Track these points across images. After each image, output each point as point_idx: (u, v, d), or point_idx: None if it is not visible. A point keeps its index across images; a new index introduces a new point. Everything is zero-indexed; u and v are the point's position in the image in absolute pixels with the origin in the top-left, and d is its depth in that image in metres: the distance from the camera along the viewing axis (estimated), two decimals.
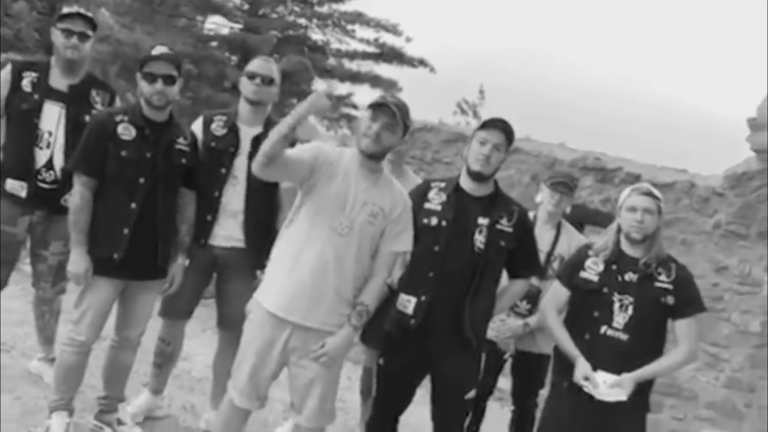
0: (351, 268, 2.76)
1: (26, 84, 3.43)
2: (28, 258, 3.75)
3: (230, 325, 3.41)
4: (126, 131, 3.08)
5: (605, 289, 3.00)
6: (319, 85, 16.55)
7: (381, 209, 2.78)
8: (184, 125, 3.35)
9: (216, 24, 17.28)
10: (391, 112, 2.72)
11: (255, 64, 3.50)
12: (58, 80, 3.47)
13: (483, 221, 2.99)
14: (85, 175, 3.06)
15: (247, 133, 3.43)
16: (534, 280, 3.45)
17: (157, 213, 3.13)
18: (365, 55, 17.62)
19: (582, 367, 2.96)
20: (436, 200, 3.06)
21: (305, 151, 2.74)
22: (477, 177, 3.01)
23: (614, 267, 3.03)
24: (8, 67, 3.48)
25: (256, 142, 3.41)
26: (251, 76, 3.44)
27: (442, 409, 3.13)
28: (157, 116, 3.14)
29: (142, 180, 3.08)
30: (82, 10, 3.56)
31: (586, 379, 2.93)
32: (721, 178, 5.90)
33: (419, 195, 3.07)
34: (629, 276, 3.00)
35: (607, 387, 2.91)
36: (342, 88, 17.25)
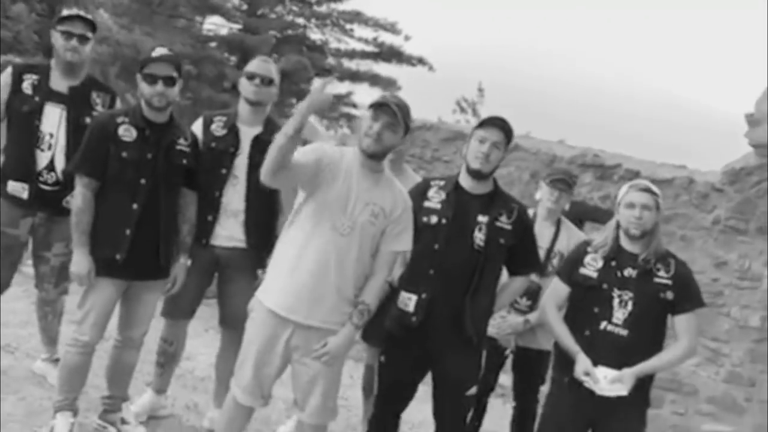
0: (352, 267, 2.78)
1: (27, 86, 3.45)
2: (31, 260, 3.77)
3: (232, 324, 3.43)
4: (127, 132, 3.09)
5: (605, 285, 3.02)
6: (317, 82, 16.57)
7: (382, 209, 2.80)
8: (185, 126, 3.37)
9: (215, 24, 17.30)
10: (392, 112, 2.73)
11: (254, 65, 3.51)
12: (59, 82, 3.49)
13: (482, 219, 3.00)
14: (86, 176, 3.08)
15: (247, 134, 3.45)
16: (534, 277, 3.46)
17: (159, 213, 3.15)
18: (364, 54, 17.63)
19: (582, 363, 2.97)
20: (435, 198, 3.07)
21: (308, 153, 2.74)
22: (476, 175, 3.02)
23: (613, 263, 3.05)
24: (9, 70, 3.50)
25: (256, 142, 3.44)
26: (250, 77, 3.46)
27: (444, 406, 3.14)
28: (157, 117, 3.16)
29: (143, 181, 3.09)
30: (81, 13, 3.58)
31: (587, 374, 2.95)
32: (720, 174, 5.91)
33: (419, 193, 3.09)
34: (628, 272, 3.02)
35: (608, 382, 2.92)
36: (341, 88, 17.27)
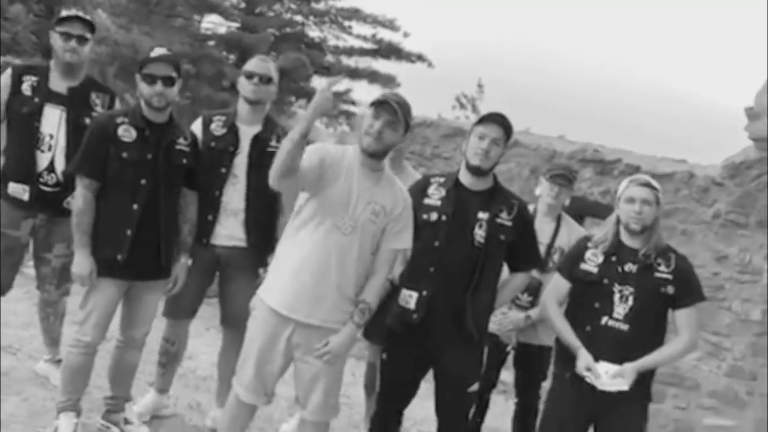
0: (353, 266, 2.78)
1: (26, 88, 3.45)
2: (32, 261, 3.78)
3: (234, 323, 3.44)
4: (127, 133, 3.10)
5: (605, 281, 3.02)
6: (318, 81, 16.57)
7: (383, 208, 2.80)
8: (184, 126, 3.37)
9: (213, 23, 17.28)
10: (393, 110, 2.74)
11: (252, 64, 3.51)
12: (58, 83, 3.49)
13: (483, 215, 3.01)
14: (87, 177, 3.08)
15: (246, 133, 3.46)
16: (535, 273, 3.47)
17: (160, 213, 3.15)
18: (363, 52, 17.61)
19: (584, 358, 2.98)
20: (435, 195, 3.07)
21: (312, 155, 2.75)
22: (476, 171, 3.03)
23: (614, 258, 3.05)
24: (8, 72, 3.51)
25: (256, 141, 3.44)
26: (249, 76, 3.46)
27: (446, 403, 3.15)
28: (157, 117, 3.16)
29: (143, 181, 3.10)
30: (80, 14, 3.58)
31: (588, 369, 2.95)
32: (720, 168, 5.91)
33: (419, 191, 3.09)
34: (629, 267, 3.02)
35: (609, 377, 2.93)
36: (340, 85, 17.24)
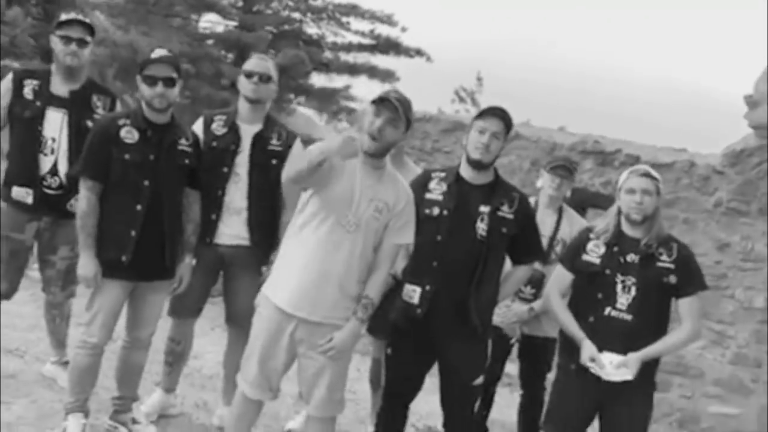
0: (356, 263, 2.80)
1: (28, 92, 3.46)
2: (37, 264, 3.79)
3: (238, 321, 3.45)
4: (129, 135, 3.11)
5: (608, 271, 3.04)
6: (316, 78, 16.57)
7: (386, 204, 2.81)
8: (186, 126, 3.38)
9: (211, 22, 17.24)
10: (394, 107, 2.74)
11: (252, 63, 3.52)
12: (59, 87, 3.50)
13: (484, 209, 3.02)
14: (90, 179, 3.09)
15: (247, 131, 3.47)
16: (537, 265, 3.48)
17: (163, 214, 3.17)
18: (361, 47, 17.56)
19: (588, 349, 2.99)
20: (437, 190, 3.08)
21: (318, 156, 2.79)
22: (477, 165, 3.03)
23: (616, 249, 3.06)
24: (9, 76, 3.52)
25: (257, 139, 3.45)
26: (249, 75, 3.47)
27: (451, 396, 3.16)
28: (158, 118, 3.17)
29: (146, 182, 3.11)
30: (80, 17, 3.58)
31: (593, 360, 2.97)
32: (721, 156, 5.91)
33: (420, 186, 3.10)
34: (631, 257, 3.03)
35: (614, 367, 2.95)
36: (339, 81, 17.22)
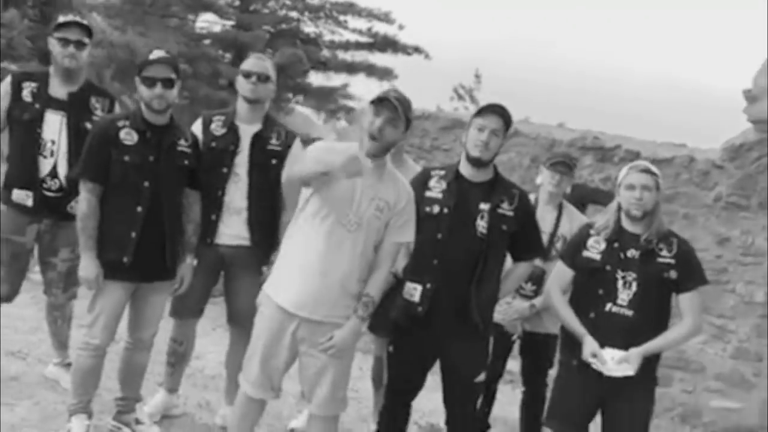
0: (358, 262, 2.80)
1: (26, 94, 3.47)
2: (38, 266, 3.80)
3: (240, 321, 3.46)
4: (128, 136, 3.11)
5: (608, 267, 3.04)
6: (314, 77, 16.55)
7: (387, 203, 2.82)
8: (185, 127, 3.38)
9: (208, 22, 17.23)
10: (393, 107, 2.75)
11: (250, 63, 3.52)
12: (58, 89, 3.50)
13: (484, 206, 3.02)
14: (90, 181, 3.10)
15: (246, 131, 3.47)
16: (538, 262, 3.48)
17: (164, 215, 3.17)
18: (359, 45, 17.56)
19: (589, 345, 3.00)
20: (436, 188, 3.09)
21: (318, 153, 2.79)
22: (476, 163, 3.04)
23: (616, 245, 3.07)
24: (8, 79, 3.52)
25: (256, 139, 3.45)
26: (247, 75, 3.47)
27: (453, 394, 3.17)
28: (157, 120, 3.17)
29: (146, 183, 3.11)
30: (77, 19, 3.58)
31: (594, 356, 2.98)
32: (720, 151, 5.92)
33: (420, 184, 3.10)
34: (631, 253, 3.04)
35: (615, 363, 2.95)
36: (337, 80, 17.22)
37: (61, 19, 3.55)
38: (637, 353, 2.94)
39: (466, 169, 3.09)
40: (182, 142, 3.26)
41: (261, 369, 2.88)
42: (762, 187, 5.70)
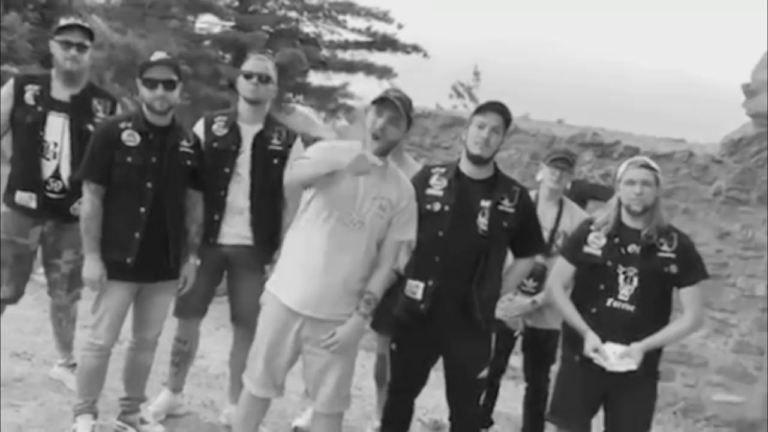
0: (360, 260, 2.82)
1: (29, 97, 3.49)
2: (42, 268, 3.82)
3: (244, 320, 3.48)
4: (130, 138, 3.13)
5: (609, 263, 3.05)
6: (314, 77, 16.56)
7: (389, 202, 2.83)
8: (187, 128, 3.40)
9: (207, 23, 17.25)
10: (395, 106, 2.76)
11: (251, 63, 3.53)
12: (60, 91, 3.52)
13: (485, 204, 3.03)
14: (93, 183, 3.11)
15: (248, 132, 3.48)
16: (539, 258, 3.50)
17: (167, 215, 3.19)
18: (358, 45, 17.57)
19: (591, 340, 3.01)
20: (437, 186, 3.10)
21: (320, 153, 2.80)
22: (477, 160, 3.05)
23: (617, 240, 3.08)
24: (10, 82, 3.54)
25: (258, 139, 3.47)
26: (248, 76, 3.48)
27: (456, 391, 3.18)
28: (159, 121, 3.19)
29: (149, 184, 3.13)
30: (79, 21, 3.61)
31: (596, 351, 2.99)
32: (719, 146, 5.93)
33: (421, 182, 3.11)
34: (632, 248, 3.05)
35: (617, 358, 2.96)
36: (337, 79, 17.24)
37: (63, 22, 3.58)
38: (639, 348, 2.96)
39: (466, 167, 3.10)
40: (184, 143, 3.28)
41: (265, 368, 2.90)
42: (762, 181, 5.72)
